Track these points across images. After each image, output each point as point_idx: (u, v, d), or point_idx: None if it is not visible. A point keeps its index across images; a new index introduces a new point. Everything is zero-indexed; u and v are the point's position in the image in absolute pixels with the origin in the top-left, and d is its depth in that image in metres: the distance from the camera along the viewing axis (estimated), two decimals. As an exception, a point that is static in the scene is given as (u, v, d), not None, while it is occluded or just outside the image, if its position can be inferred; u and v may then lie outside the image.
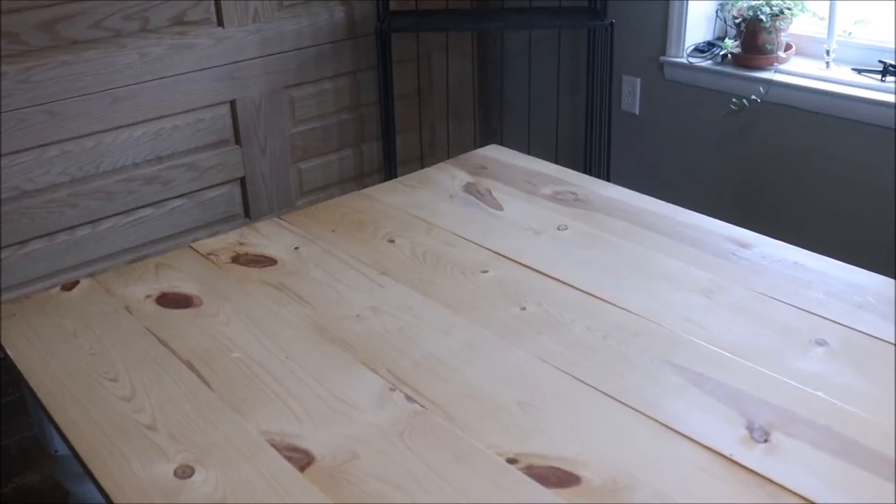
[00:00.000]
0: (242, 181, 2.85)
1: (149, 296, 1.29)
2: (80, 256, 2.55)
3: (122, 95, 2.50)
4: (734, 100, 2.56)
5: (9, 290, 2.36)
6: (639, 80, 2.87)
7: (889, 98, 2.29)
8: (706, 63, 2.67)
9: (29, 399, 1.18)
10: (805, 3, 2.51)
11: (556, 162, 1.77)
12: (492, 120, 3.42)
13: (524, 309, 1.23)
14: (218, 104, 2.73)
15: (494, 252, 1.39)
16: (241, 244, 1.44)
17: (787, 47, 2.58)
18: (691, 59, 2.69)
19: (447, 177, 1.68)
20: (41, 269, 2.47)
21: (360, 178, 3.10)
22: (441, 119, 3.26)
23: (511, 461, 0.93)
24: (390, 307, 1.24)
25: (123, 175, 2.58)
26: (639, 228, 1.44)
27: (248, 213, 2.88)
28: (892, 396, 1.01)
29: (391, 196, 1.61)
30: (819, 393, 1.03)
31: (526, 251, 1.38)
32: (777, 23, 2.49)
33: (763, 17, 2.48)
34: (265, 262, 1.38)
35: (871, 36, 2.48)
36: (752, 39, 2.54)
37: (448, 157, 1.82)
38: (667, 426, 0.98)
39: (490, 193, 1.60)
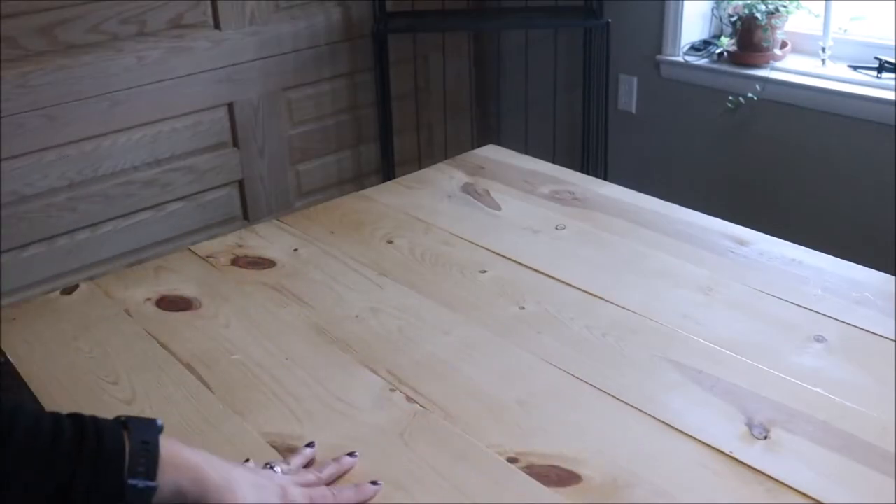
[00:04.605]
0: (241, 183, 2.85)
1: (148, 299, 1.30)
2: (80, 260, 2.55)
3: (121, 99, 2.50)
4: (731, 98, 2.56)
5: (9, 294, 2.36)
6: (635, 79, 2.87)
7: (885, 94, 2.29)
8: (702, 61, 2.68)
9: (30, 403, 1.19)
10: (800, 0, 2.52)
11: (554, 161, 1.78)
12: (489, 120, 3.42)
13: (523, 308, 1.23)
14: (216, 107, 2.73)
15: (493, 252, 1.39)
16: (240, 246, 1.45)
17: (783, 45, 2.59)
18: (687, 58, 2.70)
19: (445, 177, 1.68)
20: (41, 274, 2.47)
21: (358, 179, 3.10)
22: (438, 119, 3.26)
23: (511, 460, 0.93)
24: (389, 307, 1.24)
25: (122, 178, 2.58)
26: (636, 227, 1.45)
27: (247, 215, 2.88)
28: (891, 392, 1.01)
29: (389, 197, 1.61)
30: (818, 389, 1.03)
31: (524, 250, 1.39)
32: (773, 20, 2.50)
33: (759, 14, 2.49)
34: (264, 263, 1.39)
35: (867, 32, 2.48)
36: (748, 37, 2.55)
37: (445, 158, 1.82)
38: (666, 423, 0.98)
39: (488, 193, 1.60)
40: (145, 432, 0.76)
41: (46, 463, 0.72)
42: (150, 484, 0.74)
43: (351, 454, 0.94)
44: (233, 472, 0.81)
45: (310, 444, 0.96)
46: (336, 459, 0.94)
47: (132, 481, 0.73)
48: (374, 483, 0.90)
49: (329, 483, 0.91)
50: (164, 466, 0.75)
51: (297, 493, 0.85)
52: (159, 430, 0.78)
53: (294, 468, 0.91)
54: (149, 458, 0.75)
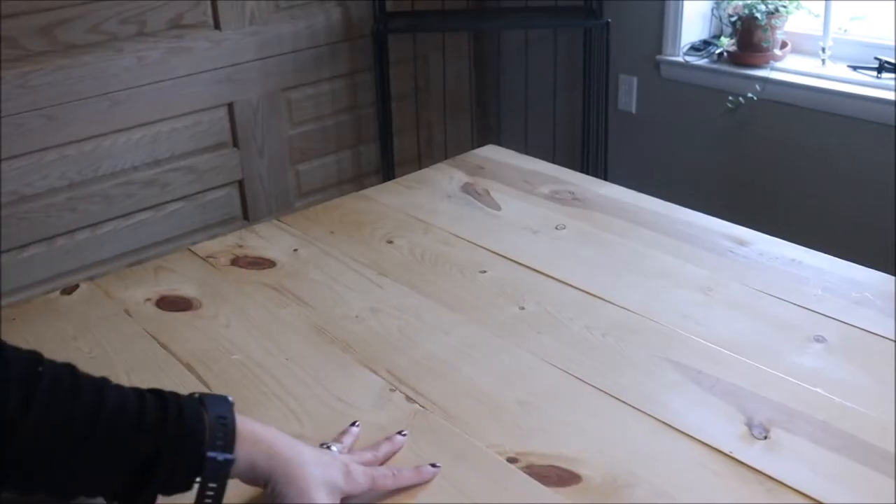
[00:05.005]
0: (241, 183, 2.85)
1: (148, 299, 1.30)
2: (80, 260, 2.55)
3: (120, 99, 2.51)
4: (730, 98, 2.57)
5: (9, 294, 2.36)
6: (635, 79, 2.87)
7: (885, 94, 2.29)
8: (702, 61, 2.68)
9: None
10: (800, 0, 2.52)
11: (554, 161, 1.77)
12: (489, 120, 3.42)
13: (523, 308, 1.23)
14: (216, 107, 2.73)
15: (493, 252, 1.39)
16: (240, 246, 1.45)
17: (783, 45, 2.59)
18: (687, 58, 2.70)
19: (445, 177, 1.68)
20: (41, 274, 2.47)
21: (358, 180, 3.10)
22: (438, 119, 3.26)
23: (511, 460, 0.93)
24: (389, 307, 1.24)
25: (122, 178, 2.58)
26: (636, 227, 1.45)
27: (247, 215, 2.88)
28: (891, 392, 1.01)
29: (389, 197, 1.61)
30: (818, 389, 1.03)
31: (524, 250, 1.39)
32: (773, 20, 2.50)
33: (759, 14, 2.49)
34: (264, 263, 1.39)
35: (867, 32, 2.49)
36: (748, 37, 2.55)
37: (445, 158, 1.82)
38: (666, 423, 0.98)
39: (488, 193, 1.60)
40: (220, 407, 0.79)
41: (133, 440, 0.74)
42: (229, 456, 0.76)
43: (400, 433, 0.96)
44: (301, 449, 0.83)
45: (354, 423, 0.98)
46: (388, 438, 0.95)
47: (212, 454, 0.75)
48: (433, 465, 0.91)
49: (383, 462, 0.92)
50: (240, 441, 0.78)
51: (359, 471, 0.86)
52: (231, 405, 0.80)
53: (346, 447, 0.93)
54: (226, 432, 0.77)
